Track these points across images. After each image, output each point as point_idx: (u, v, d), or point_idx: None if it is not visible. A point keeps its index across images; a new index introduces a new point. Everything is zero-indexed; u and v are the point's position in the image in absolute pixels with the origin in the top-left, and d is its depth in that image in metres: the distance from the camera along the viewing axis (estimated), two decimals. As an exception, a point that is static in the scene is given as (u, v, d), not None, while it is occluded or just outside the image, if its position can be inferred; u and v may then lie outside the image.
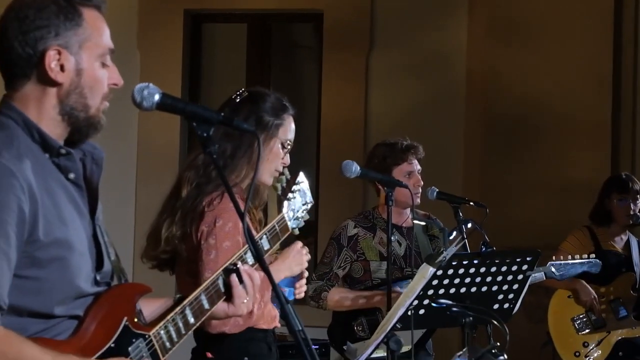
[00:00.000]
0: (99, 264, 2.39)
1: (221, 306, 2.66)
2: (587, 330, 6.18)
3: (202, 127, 2.38)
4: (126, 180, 7.80)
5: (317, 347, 6.03)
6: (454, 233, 4.76)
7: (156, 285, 2.53)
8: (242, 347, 3.49)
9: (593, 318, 6.17)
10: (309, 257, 3.61)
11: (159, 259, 3.52)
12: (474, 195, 6.16)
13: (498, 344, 3.88)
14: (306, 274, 3.64)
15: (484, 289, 4.03)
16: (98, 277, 2.39)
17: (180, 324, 2.49)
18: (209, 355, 3.48)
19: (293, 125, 3.65)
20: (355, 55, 7.81)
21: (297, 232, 3.34)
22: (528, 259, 4.10)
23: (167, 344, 2.45)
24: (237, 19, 8.25)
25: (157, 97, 2.35)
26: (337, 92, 7.82)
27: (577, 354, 6.15)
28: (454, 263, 3.91)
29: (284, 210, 3.26)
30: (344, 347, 4.84)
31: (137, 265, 3.65)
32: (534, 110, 7.41)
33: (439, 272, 3.86)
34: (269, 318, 3.57)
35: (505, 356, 3.86)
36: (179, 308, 2.51)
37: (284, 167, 3.60)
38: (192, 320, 2.53)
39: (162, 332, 2.44)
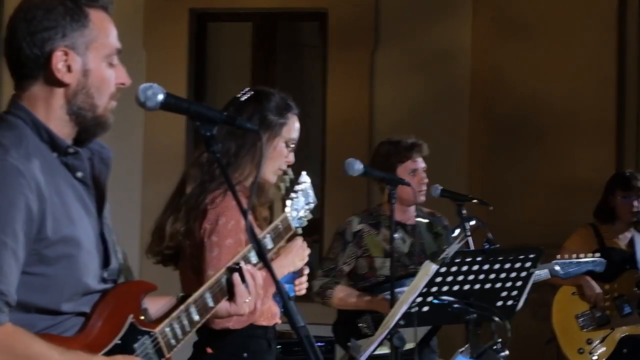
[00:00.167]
0: (105, 262, 2.42)
1: (224, 305, 2.69)
2: (591, 327, 6.18)
3: (206, 126, 2.40)
4: (132, 179, 7.79)
5: (322, 344, 6.01)
6: (458, 230, 4.78)
7: (162, 282, 2.56)
8: (242, 343, 3.50)
9: (597, 315, 6.17)
10: (309, 251, 3.63)
11: (163, 254, 3.55)
12: (477, 193, 6.17)
13: (500, 340, 3.88)
14: (306, 270, 3.65)
15: (487, 286, 4.03)
16: (105, 275, 2.41)
17: (185, 322, 2.51)
18: (209, 350, 3.50)
19: (297, 125, 3.66)
20: (360, 53, 7.80)
21: (300, 231, 3.37)
22: (531, 256, 4.08)
23: (172, 341, 2.47)
24: (242, 18, 8.25)
25: (160, 97, 2.37)
26: (342, 90, 7.82)
27: (581, 350, 6.16)
28: (457, 260, 3.91)
29: (287, 209, 3.29)
30: (348, 344, 4.86)
31: (144, 263, 3.67)
32: (538, 108, 7.40)
33: (443, 269, 3.88)
34: (270, 315, 3.59)
35: (507, 352, 3.87)
36: (183, 306, 2.53)
37: (288, 167, 3.62)
38: (196, 317, 2.55)
39: (167, 329, 2.46)
